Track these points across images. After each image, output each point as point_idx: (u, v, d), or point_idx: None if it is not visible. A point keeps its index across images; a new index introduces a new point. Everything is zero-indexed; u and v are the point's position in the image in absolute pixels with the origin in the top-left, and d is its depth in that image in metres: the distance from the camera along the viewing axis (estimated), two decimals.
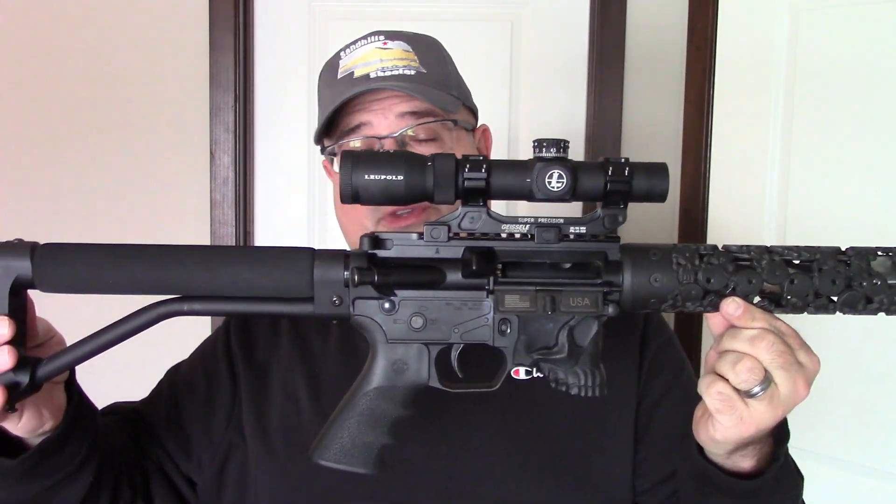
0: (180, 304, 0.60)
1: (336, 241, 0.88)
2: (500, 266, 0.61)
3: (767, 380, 0.57)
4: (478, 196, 0.60)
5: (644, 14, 1.62)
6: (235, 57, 1.62)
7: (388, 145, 0.79)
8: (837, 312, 0.60)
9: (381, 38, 0.85)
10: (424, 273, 0.61)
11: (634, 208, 0.62)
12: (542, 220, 0.62)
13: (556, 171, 0.58)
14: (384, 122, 0.80)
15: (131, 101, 1.65)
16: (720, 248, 0.61)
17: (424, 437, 0.77)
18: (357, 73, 0.82)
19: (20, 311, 0.59)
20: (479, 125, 0.92)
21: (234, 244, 1.66)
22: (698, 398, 0.85)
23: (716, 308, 0.60)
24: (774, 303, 0.60)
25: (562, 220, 0.62)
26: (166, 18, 1.63)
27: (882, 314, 0.60)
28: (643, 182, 0.59)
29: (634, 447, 0.81)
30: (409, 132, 0.80)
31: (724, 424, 0.58)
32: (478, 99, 0.93)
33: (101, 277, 0.59)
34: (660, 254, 0.61)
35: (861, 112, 1.31)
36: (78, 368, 0.65)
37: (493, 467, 0.78)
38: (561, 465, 0.79)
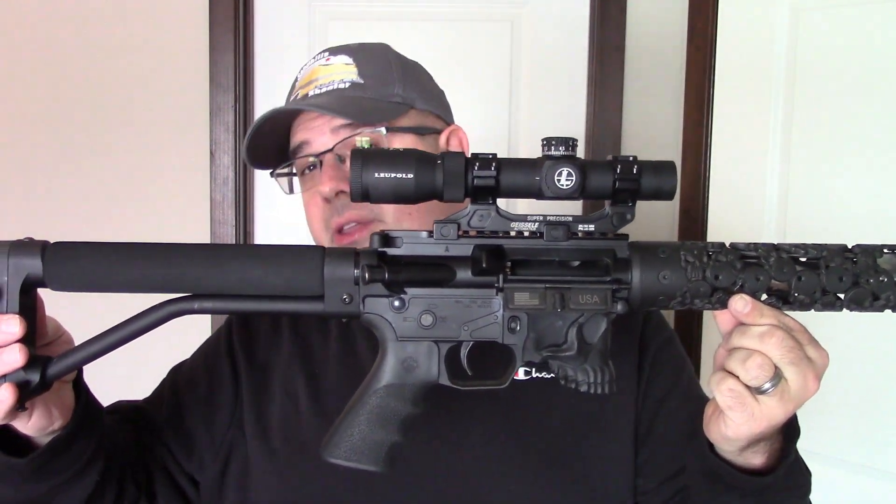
0: (191, 303, 0.60)
1: None
2: (509, 264, 0.61)
3: (778, 376, 0.58)
4: (487, 194, 0.60)
5: (644, 14, 1.62)
6: (235, 57, 1.62)
7: (327, 160, 0.81)
8: (844, 309, 0.61)
9: (326, 54, 0.87)
10: (434, 271, 0.61)
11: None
12: (551, 217, 0.62)
13: (565, 169, 0.59)
14: (320, 140, 0.82)
15: (131, 100, 1.65)
16: (728, 245, 0.62)
17: (422, 435, 0.77)
18: (300, 94, 0.85)
19: (30, 310, 0.59)
20: (448, 127, 0.89)
21: (234, 244, 1.66)
22: (700, 395, 0.86)
23: (724, 305, 0.60)
24: (782, 300, 0.61)
25: (570, 218, 0.62)
26: (166, 18, 1.63)
27: (888, 311, 0.61)
28: (652, 180, 0.59)
29: (636, 447, 0.81)
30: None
31: (736, 421, 0.58)
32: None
33: (112, 276, 0.59)
34: (668, 251, 0.61)
35: (861, 112, 1.32)
36: None
37: (490, 466, 0.78)
38: (559, 465, 0.79)
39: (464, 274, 0.61)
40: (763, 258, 0.60)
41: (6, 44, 1.64)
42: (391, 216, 0.80)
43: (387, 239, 0.62)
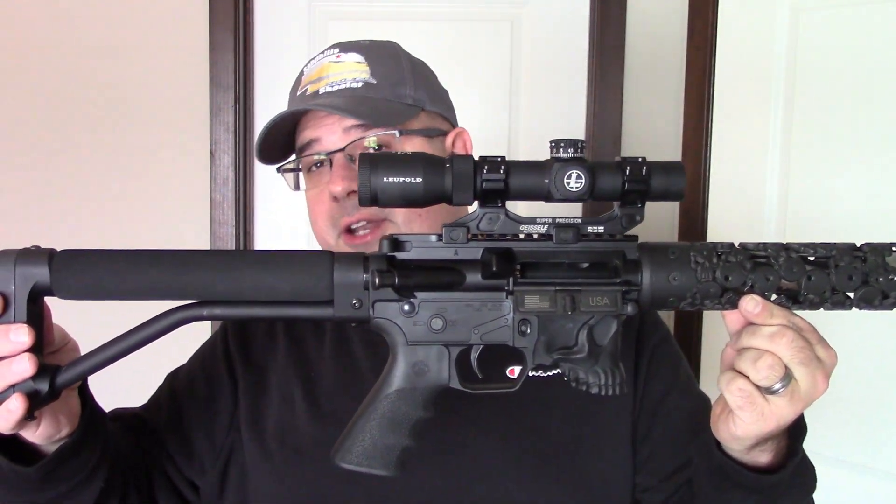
0: (200, 310, 0.59)
1: None
2: (519, 267, 0.61)
3: (788, 376, 0.58)
4: (496, 197, 0.60)
5: (644, 14, 1.62)
6: (235, 57, 1.62)
7: (338, 160, 0.80)
8: (854, 308, 0.61)
9: (336, 50, 0.85)
10: (444, 274, 0.61)
11: None
12: (561, 220, 0.62)
13: (574, 171, 0.58)
14: (331, 138, 0.81)
15: (131, 100, 1.64)
16: (737, 245, 0.62)
17: (421, 436, 0.77)
18: (309, 90, 0.83)
19: (38, 319, 0.59)
20: (454, 129, 0.89)
21: (234, 244, 1.66)
22: (698, 392, 0.86)
23: (734, 306, 0.60)
24: (791, 299, 0.61)
25: (580, 220, 0.62)
26: (166, 18, 1.63)
27: None
28: (661, 181, 0.59)
29: (634, 446, 0.81)
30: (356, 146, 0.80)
31: (746, 421, 0.59)
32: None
33: (120, 283, 0.58)
34: (678, 252, 0.61)
35: (861, 112, 1.32)
36: None
37: (489, 466, 0.78)
38: (557, 465, 0.79)
39: (473, 277, 0.61)
40: (773, 258, 0.60)
41: (6, 44, 1.63)
42: (401, 215, 0.80)
43: (396, 243, 0.62)
